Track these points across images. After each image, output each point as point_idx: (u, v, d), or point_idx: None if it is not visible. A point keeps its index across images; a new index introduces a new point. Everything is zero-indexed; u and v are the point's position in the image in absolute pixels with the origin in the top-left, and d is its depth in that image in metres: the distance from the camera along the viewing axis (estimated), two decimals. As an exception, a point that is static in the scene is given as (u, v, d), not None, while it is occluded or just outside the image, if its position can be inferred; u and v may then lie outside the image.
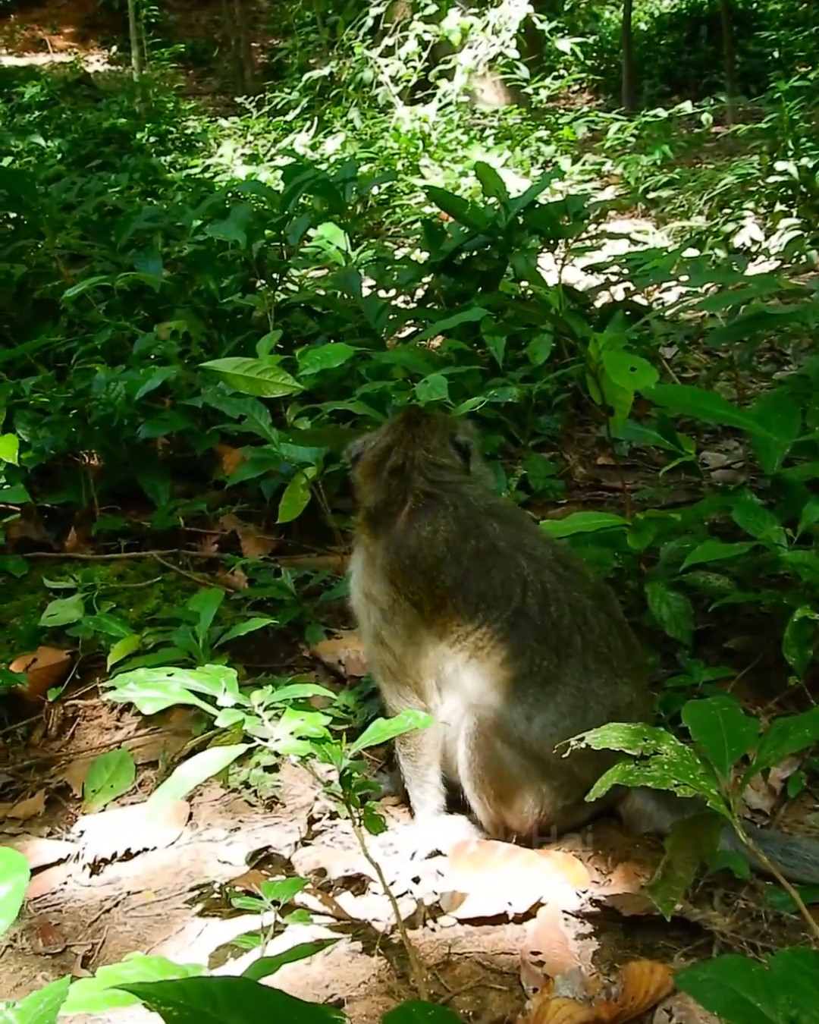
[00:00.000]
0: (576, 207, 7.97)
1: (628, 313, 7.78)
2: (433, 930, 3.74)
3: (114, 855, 4.28)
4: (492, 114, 20.85)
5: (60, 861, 4.30)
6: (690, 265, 7.41)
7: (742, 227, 13.42)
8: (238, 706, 3.44)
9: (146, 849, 4.31)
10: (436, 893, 3.87)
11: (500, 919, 3.75)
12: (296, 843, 4.24)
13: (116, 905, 4.07)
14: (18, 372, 6.83)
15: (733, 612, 5.02)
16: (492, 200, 8.57)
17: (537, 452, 6.99)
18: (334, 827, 4.32)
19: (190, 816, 4.49)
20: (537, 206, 8.01)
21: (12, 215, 9.07)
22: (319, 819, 4.35)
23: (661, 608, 4.76)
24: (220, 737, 3.47)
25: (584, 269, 8.85)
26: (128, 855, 4.29)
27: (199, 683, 3.45)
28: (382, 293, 8.45)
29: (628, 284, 8.40)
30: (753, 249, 13.10)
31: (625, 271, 8.42)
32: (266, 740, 3.39)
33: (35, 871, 4.24)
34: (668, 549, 4.97)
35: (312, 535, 6.22)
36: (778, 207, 13.58)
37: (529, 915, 3.74)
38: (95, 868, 4.25)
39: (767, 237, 13.19)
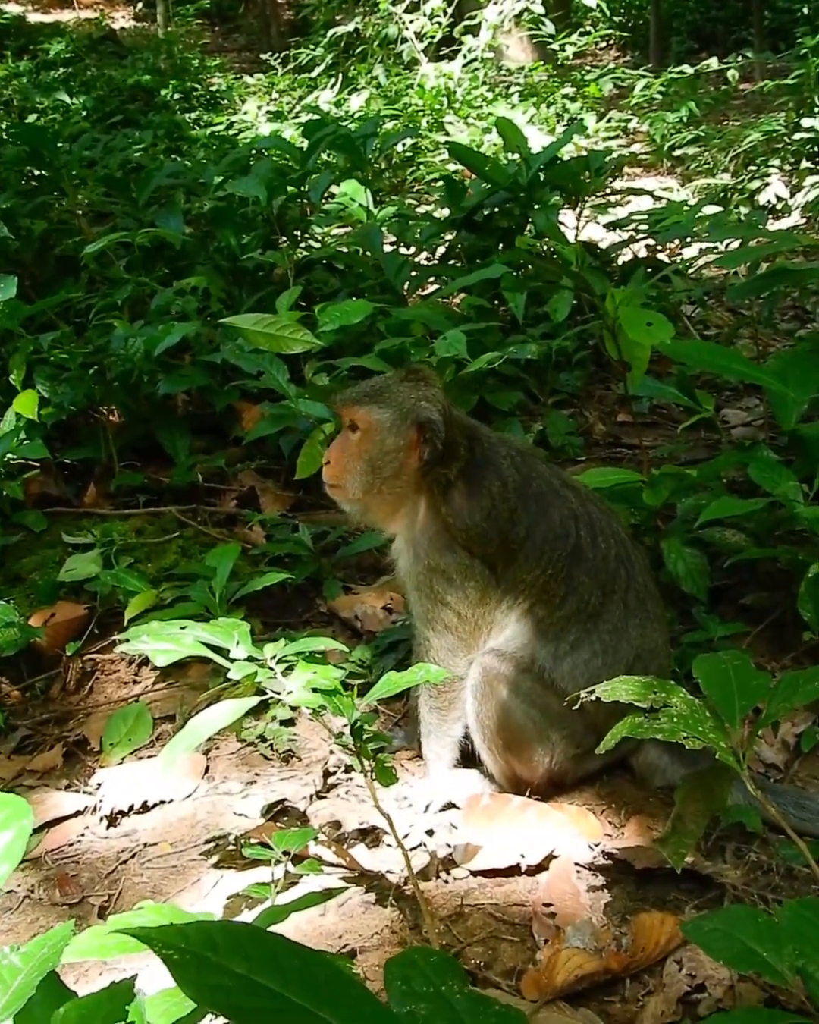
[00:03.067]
0: (598, 163, 7.90)
1: (649, 270, 7.73)
2: (446, 882, 3.76)
3: (131, 807, 4.32)
4: (517, 71, 20.66)
5: (77, 813, 4.35)
6: (711, 221, 7.32)
7: (767, 184, 13.30)
8: (251, 659, 3.45)
9: (163, 801, 4.35)
10: (450, 846, 3.89)
11: (512, 871, 3.77)
12: (311, 796, 4.26)
13: (132, 857, 4.11)
14: (38, 328, 6.83)
15: (750, 568, 5.01)
16: (514, 156, 8.52)
17: (556, 409, 6.97)
18: (349, 781, 4.34)
19: (206, 769, 4.52)
20: (559, 162, 7.94)
21: (34, 172, 9.01)
22: (334, 772, 4.38)
23: (677, 564, 4.76)
24: (232, 690, 3.49)
25: (605, 226, 8.80)
26: (145, 807, 4.33)
27: (212, 636, 3.46)
28: (403, 250, 8.42)
29: (650, 241, 8.34)
30: (778, 206, 13.01)
31: (646, 228, 8.37)
32: (278, 693, 3.41)
33: (53, 823, 4.32)
34: (685, 505, 4.95)
35: (332, 490, 6.22)
36: (804, 164, 13.46)
37: (541, 867, 3.76)
38: (112, 820, 4.29)
39: (792, 194, 13.09)
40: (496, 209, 7.93)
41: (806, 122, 13.58)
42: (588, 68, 22.51)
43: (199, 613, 4.77)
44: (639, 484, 4.81)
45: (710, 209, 11.30)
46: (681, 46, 25.30)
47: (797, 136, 13.61)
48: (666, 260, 8.50)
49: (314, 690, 3.25)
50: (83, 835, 4.26)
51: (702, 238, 7.42)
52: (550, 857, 3.76)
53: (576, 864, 3.76)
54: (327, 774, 4.36)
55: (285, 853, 3.69)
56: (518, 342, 6.73)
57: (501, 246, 7.92)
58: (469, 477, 4.00)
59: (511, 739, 4.00)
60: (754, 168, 13.91)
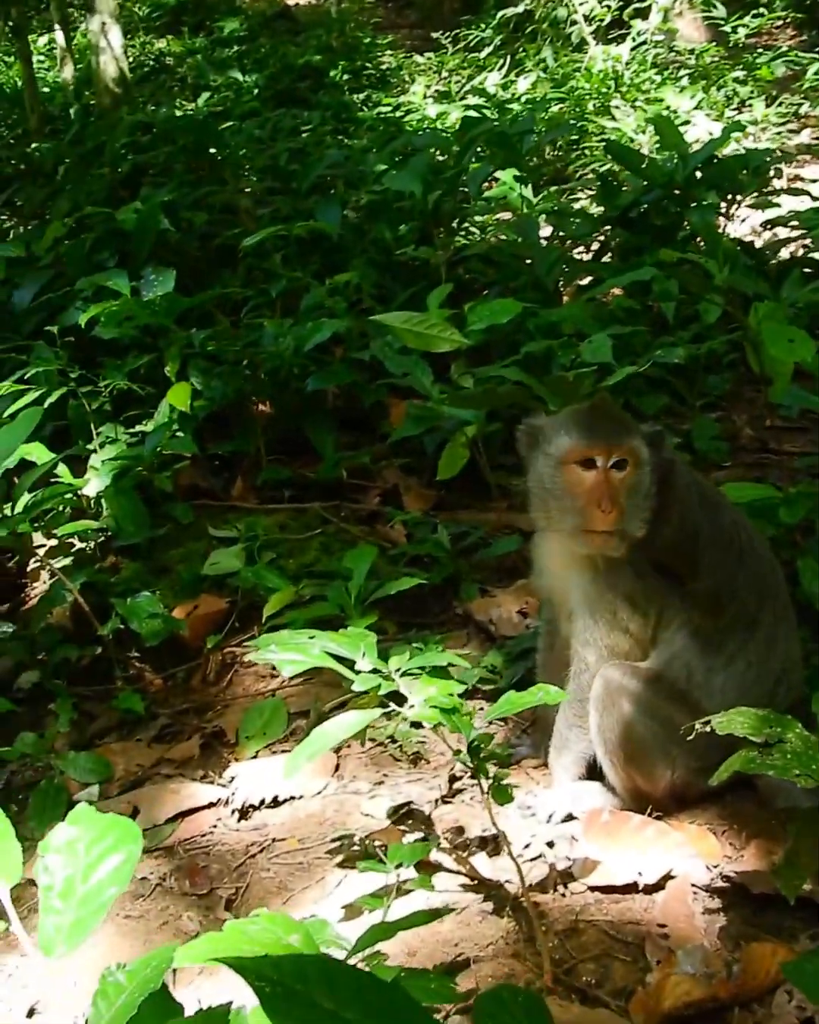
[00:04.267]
0: (757, 162, 7.82)
1: (806, 270, 7.64)
2: (563, 895, 3.81)
3: (262, 802, 4.43)
4: (687, 53, 20.40)
5: (211, 805, 4.48)
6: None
7: None
8: (375, 671, 3.53)
9: (293, 798, 4.46)
10: (569, 859, 3.94)
11: (629, 889, 3.79)
12: (437, 800, 4.34)
13: (261, 851, 4.23)
14: (197, 319, 6.99)
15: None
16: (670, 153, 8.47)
17: (704, 412, 6.93)
18: (475, 785, 4.40)
19: (337, 767, 4.62)
20: (717, 160, 7.87)
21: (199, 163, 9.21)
22: (461, 777, 4.44)
23: (813, 583, 4.72)
24: (358, 699, 3.57)
25: (762, 224, 8.70)
26: (276, 802, 4.45)
27: (339, 646, 3.55)
28: (557, 243, 8.42)
29: (808, 241, 8.23)
30: None
31: (803, 229, 8.26)
32: (399, 706, 3.48)
33: (187, 813, 4.46)
34: (803, 516, 4.90)
35: (472, 491, 6.27)
36: None
37: (658, 886, 3.78)
38: (243, 813, 4.42)
39: None
40: (651, 206, 7.89)
41: None
42: (761, 50, 22.10)
43: (334, 614, 4.88)
44: (777, 500, 4.77)
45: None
46: (858, 25, 24.67)
47: None
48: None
49: (434, 707, 3.31)
50: (215, 826, 4.40)
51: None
52: (667, 877, 3.78)
53: (693, 885, 3.78)
54: (453, 779, 4.43)
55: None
56: (666, 345, 6.71)
57: (656, 244, 7.90)
58: (671, 484, 4.01)
59: (633, 753, 4.02)
60: None
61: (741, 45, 21.92)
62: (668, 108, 16.78)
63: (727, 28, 21.13)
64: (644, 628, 4.04)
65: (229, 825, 4.40)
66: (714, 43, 20.61)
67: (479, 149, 8.48)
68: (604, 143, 9.43)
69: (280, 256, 7.56)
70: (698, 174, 7.72)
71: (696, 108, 16.80)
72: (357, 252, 7.93)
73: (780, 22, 26.11)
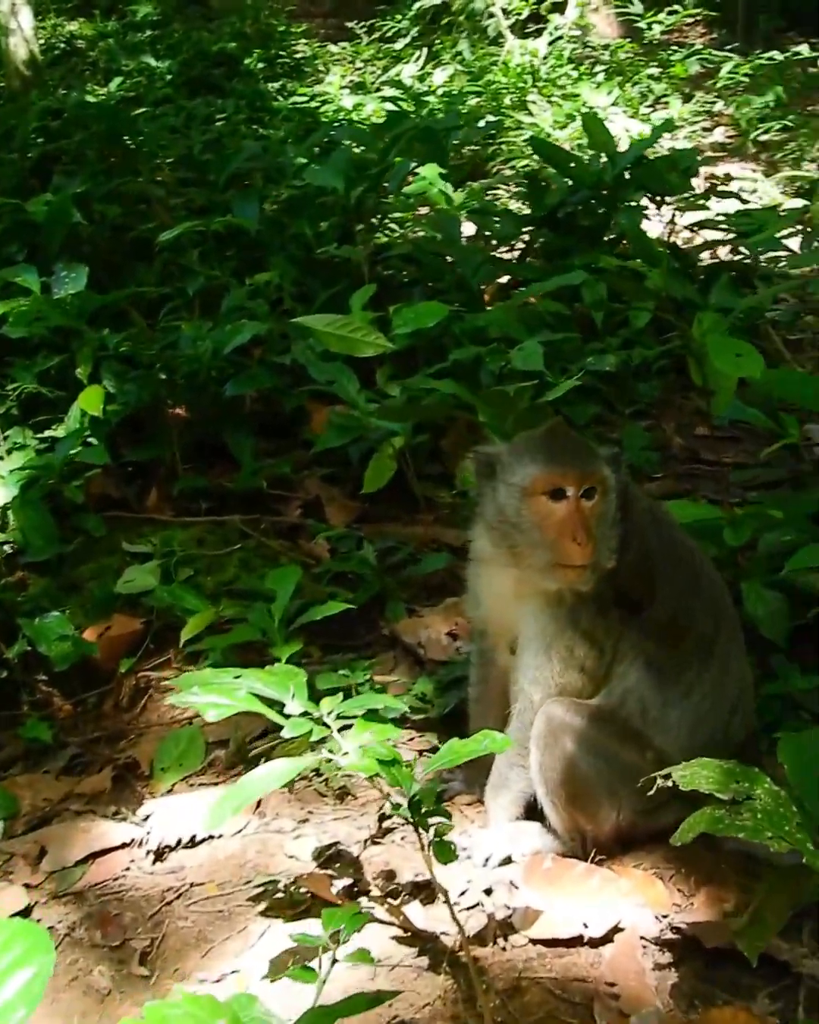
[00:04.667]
0: (686, 163, 7.64)
1: (733, 273, 7.49)
2: (503, 949, 3.57)
3: (179, 842, 4.15)
4: (603, 48, 20.29)
5: (124, 845, 4.19)
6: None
7: (856, 177, 13.00)
8: (306, 714, 3.27)
9: (212, 837, 4.18)
10: (508, 908, 3.70)
11: (574, 942, 3.57)
12: (366, 841, 4.08)
13: (178, 897, 3.95)
14: (110, 318, 6.67)
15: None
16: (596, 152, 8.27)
17: (634, 420, 6.74)
18: (405, 826, 4.15)
19: (258, 803, 4.34)
20: (645, 161, 7.67)
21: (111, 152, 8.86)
22: (390, 816, 4.19)
23: (757, 606, 4.54)
24: (288, 745, 3.32)
25: (689, 226, 8.53)
26: (193, 842, 4.17)
27: (267, 687, 3.29)
28: (481, 242, 8.20)
29: (735, 245, 8.07)
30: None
31: (731, 229, 8.12)
32: (332, 754, 3.23)
33: (99, 854, 4.17)
34: (767, 541, 4.72)
35: (397, 502, 6.01)
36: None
37: (605, 939, 3.56)
38: (159, 855, 4.13)
39: (882, 190, 12.76)
40: (578, 207, 7.68)
41: None
42: (674, 47, 22.05)
43: (256, 639, 4.61)
44: (721, 521, 4.57)
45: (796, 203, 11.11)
46: (768, 24, 24.65)
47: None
48: (750, 262, 8.18)
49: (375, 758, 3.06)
50: (128, 869, 4.11)
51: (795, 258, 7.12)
52: (615, 929, 3.56)
53: (642, 938, 3.56)
54: (383, 817, 4.18)
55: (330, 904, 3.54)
56: (596, 352, 6.52)
57: (582, 246, 7.70)
58: (627, 507, 3.81)
59: (576, 793, 3.80)
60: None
61: (655, 42, 21.88)
62: (585, 104, 16.67)
63: (643, 25, 21.04)
64: (599, 665, 3.82)
65: (143, 867, 4.11)
66: (628, 39, 20.50)
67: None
68: (529, 140, 9.17)
69: (197, 252, 7.24)
70: (627, 175, 7.50)
71: (613, 104, 16.68)
72: (276, 249, 7.64)
73: (692, 19, 26.15)
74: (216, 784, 4.47)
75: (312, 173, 7.61)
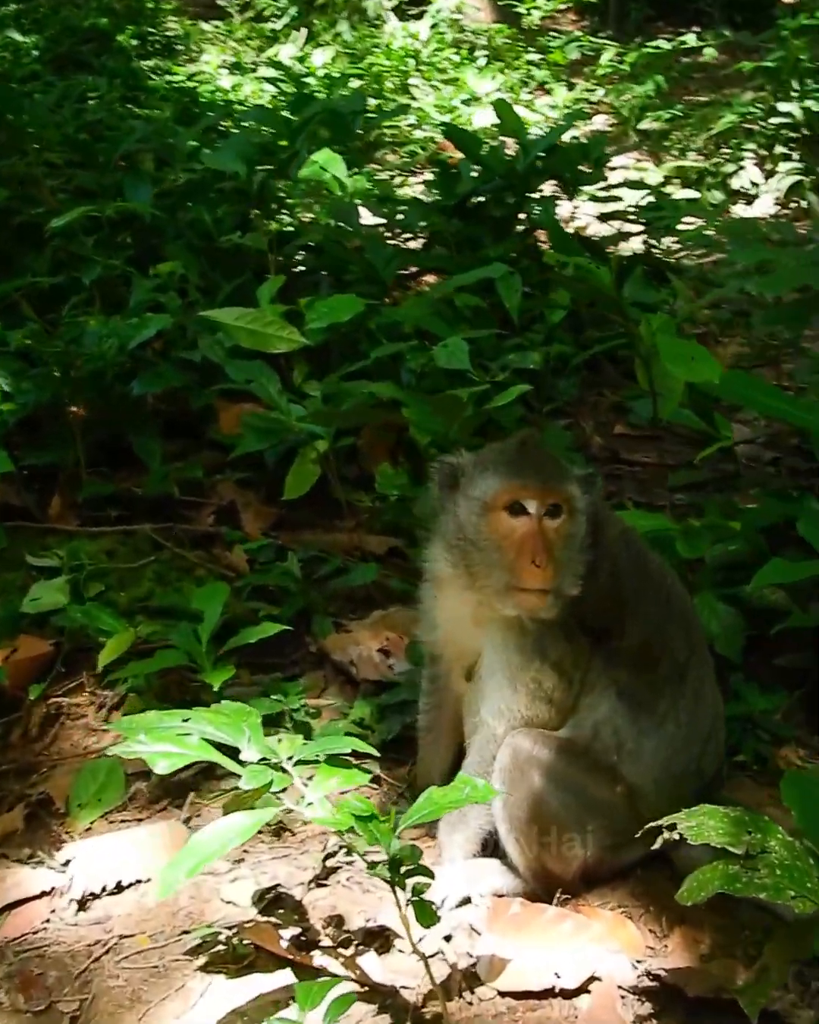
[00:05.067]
0: (597, 152, 7.41)
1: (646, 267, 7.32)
2: (470, 1003, 3.31)
3: (104, 889, 3.81)
4: (481, 33, 20.11)
5: (43, 894, 3.82)
6: (724, 228, 6.83)
7: (742, 168, 12.95)
8: (263, 759, 2.97)
9: (139, 881, 3.85)
10: (471, 956, 3.44)
11: (547, 994, 3.32)
12: (309, 883, 3.79)
13: (107, 951, 3.61)
14: (1, 311, 6.25)
15: (778, 620, 4.57)
16: (503, 140, 8.04)
17: (552, 419, 6.51)
18: (350, 864, 3.87)
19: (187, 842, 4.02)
20: (557, 149, 7.42)
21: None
22: (334, 854, 3.90)
23: (711, 622, 4.33)
24: (245, 797, 3.01)
25: (599, 217, 8.34)
26: (119, 888, 3.83)
27: (218, 731, 2.98)
28: (382, 229, 7.91)
29: (646, 236, 7.89)
30: (752, 192, 12.65)
31: (639, 220, 7.95)
32: (296, 806, 2.93)
33: (15, 905, 3.81)
34: (715, 553, 4.50)
35: (317, 508, 5.70)
36: (778, 149, 13.07)
37: (580, 990, 3.31)
38: (82, 904, 3.78)
39: (766, 180, 12.73)
40: (489, 196, 7.41)
41: (783, 106, 13.17)
42: (552, 33, 21.93)
43: (183, 664, 4.28)
44: (674, 533, 4.35)
45: (687, 193, 11.01)
46: (638, 13, 24.63)
47: (773, 120, 13.19)
48: (661, 254, 8.03)
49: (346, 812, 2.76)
50: (49, 921, 3.74)
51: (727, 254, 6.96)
52: (590, 979, 3.31)
53: (619, 987, 3.32)
54: (327, 855, 3.89)
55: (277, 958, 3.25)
56: (514, 347, 6.28)
57: (492, 236, 7.45)
58: (599, 533, 3.58)
59: (543, 830, 3.56)
60: (728, 151, 13.52)
61: (533, 28, 21.74)
62: (469, 90, 16.49)
63: (523, 9, 20.88)
64: (568, 696, 3.59)
65: (66, 918, 3.74)
66: (506, 25, 20.34)
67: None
68: (442, 126, 8.85)
69: (92, 240, 6.82)
70: (539, 163, 7.25)
71: (497, 90, 16.50)
72: (172, 236, 7.24)
73: (565, 7, 26.04)
74: (140, 820, 4.14)
75: (210, 157, 7.26)
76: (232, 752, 3.03)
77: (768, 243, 8.05)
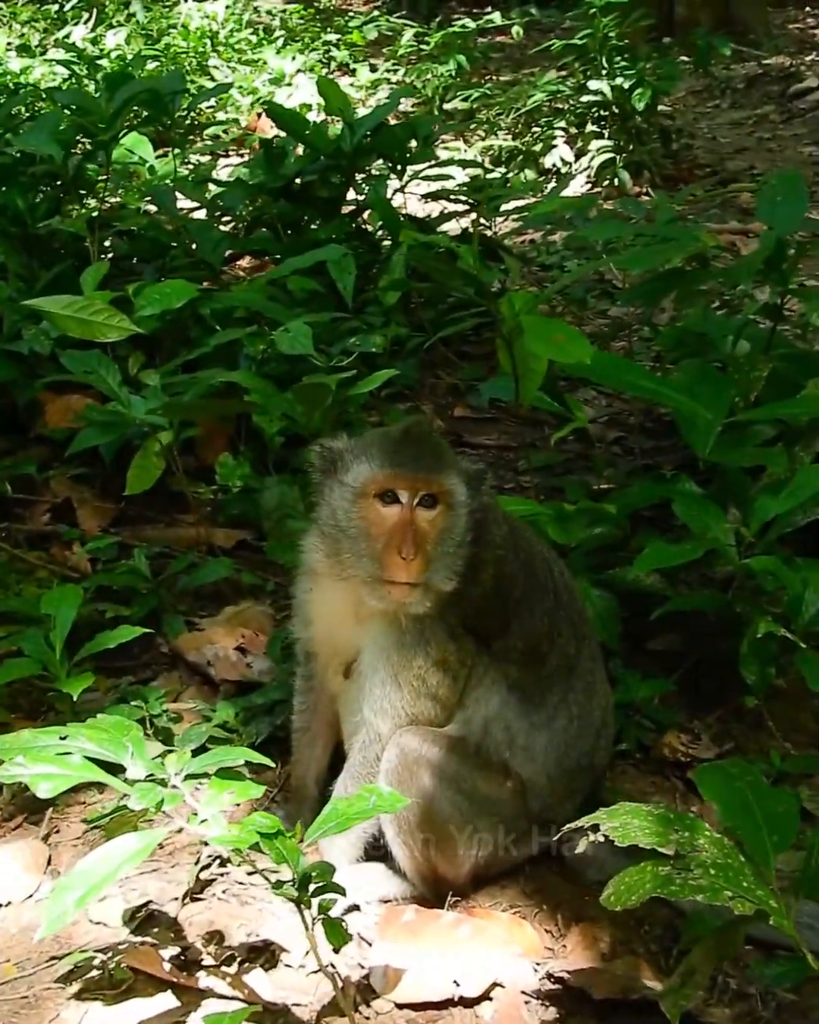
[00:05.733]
0: (425, 130, 7.28)
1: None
2: (367, 1018, 3.14)
3: (-42, 913, 3.55)
4: (275, 13, 19.89)
5: None
6: (564, 206, 6.73)
7: (553, 146, 12.94)
8: (150, 777, 2.76)
9: (-1, 905, 3.60)
10: (362, 967, 3.28)
11: (446, 1004, 3.18)
12: (182, 897, 3.58)
13: (-30, 983, 3.36)
14: None
15: (650, 602, 4.50)
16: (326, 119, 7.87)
17: (391, 403, 6.37)
18: (224, 875, 3.68)
19: (49, 860, 3.78)
20: (384, 128, 7.25)
21: None
22: (207, 866, 3.70)
23: (586, 608, 4.20)
24: (129, 816, 2.80)
25: (423, 196, 8.22)
26: (-23, 913, 3.57)
27: (99, 747, 2.76)
28: (200, 215, 7.66)
29: (475, 215, 7.77)
30: (563, 170, 12.66)
31: (466, 199, 7.83)
32: (188, 825, 2.74)
33: None
34: (585, 536, 4.40)
35: (157, 502, 5.47)
36: (589, 128, 13.10)
37: (482, 997, 3.18)
38: (-63, 933, 3.52)
39: (577, 158, 12.75)
40: (316, 177, 7.21)
41: (593, 84, 13.16)
42: (350, 13, 21.80)
43: (36, 674, 4.03)
44: (546, 517, 4.23)
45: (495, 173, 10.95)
46: (432, -5, 24.62)
47: (583, 98, 13.19)
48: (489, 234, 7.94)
49: (250, 830, 2.57)
50: None
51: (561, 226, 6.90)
52: (493, 986, 3.18)
53: (522, 993, 3.19)
54: (202, 867, 3.68)
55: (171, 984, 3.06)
56: (351, 329, 6.13)
57: (318, 217, 7.27)
58: (485, 533, 3.41)
59: (433, 832, 3.42)
60: (538, 129, 13.50)
61: (329, 8, 21.58)
62: (272, 70, 16.25)
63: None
64: (453, 693, 3.44)
65: (-80, 950, 3.49)
66: (301, 5, 20.15)
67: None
68: (265, 105, 8.58)
69: None
70: (365, 142, 7.08)
71: (298, 70, 16.28)
72: (-18, 222, 6.87)
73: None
74: (-7, 841, 3.88)
75: (21, 139, 6.89)
76: (114, 768, 2.81)
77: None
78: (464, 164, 8.47)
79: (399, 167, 7.29)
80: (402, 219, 7.05)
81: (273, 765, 3.00)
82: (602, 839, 2.51)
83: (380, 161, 7.44)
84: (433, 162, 7.56)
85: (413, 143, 7.33)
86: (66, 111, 7.31)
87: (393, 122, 8.16)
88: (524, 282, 8.31)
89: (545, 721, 3.52)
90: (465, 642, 3.43)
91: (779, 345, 5.12)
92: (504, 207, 7.88)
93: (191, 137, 12.83)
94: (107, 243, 6.99)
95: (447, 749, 3.40)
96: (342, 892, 2.71)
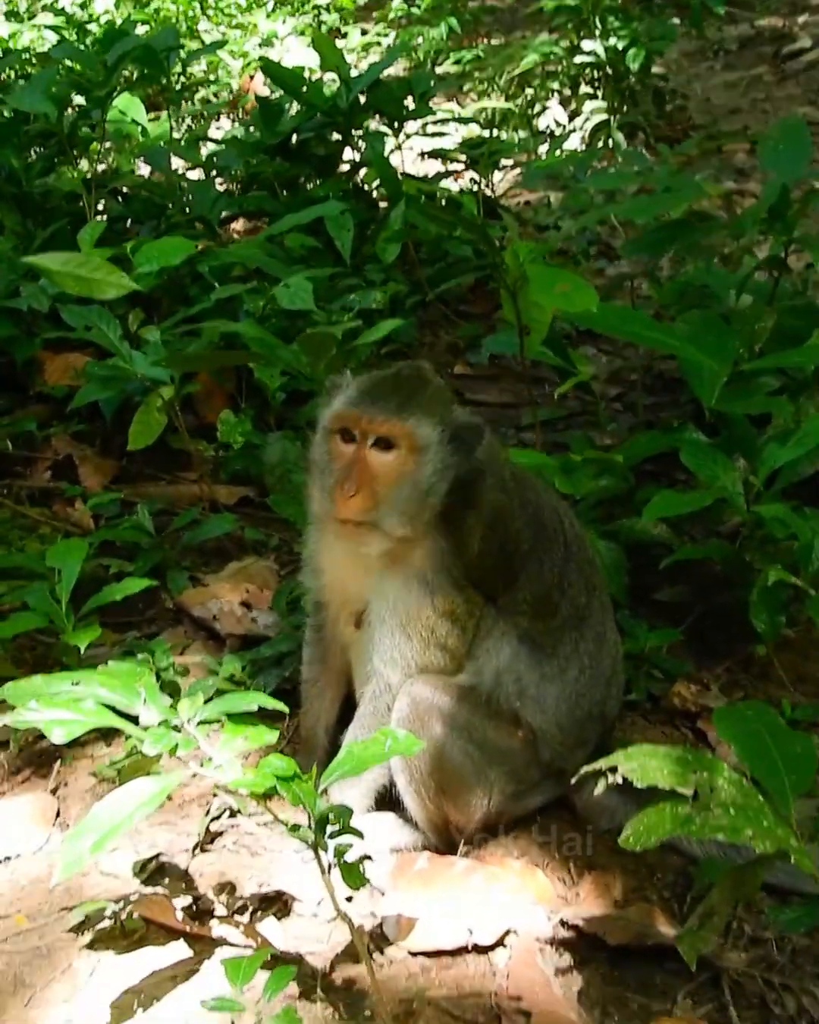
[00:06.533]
0: (423, 87, 7.21)
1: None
2: (381, 965, 3.14)
3: (-30, 867, 3.54)
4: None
5: None
6: (566, 161, 6.69)
7: (546, 108, 12.87)
8: (163, 722, 2.75)
9: (8, 858, 3.59)
10: (375, 915, 3.28)
11: (460, 951, 3.17)
12: (193, 848, 3.57)
13: (-17, 934, 3.35)
14: None
15: (655, 554, 4.49)
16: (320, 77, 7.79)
17: (391, 361, 6.32)
18: (235, 827, 3.67)
19: (58, 813, 3.77)
20: (380, 84, 7.18)
21: None
22: (218, 816, 3.69)
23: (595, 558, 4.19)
24: (141, 762, 2.78)
25: (423, 154, 8.16)
26: (-14, 866, 3.56)
27: (113, 694, 2.75)
28: (195, 174, 7.62)
29: (473, 174, 7.74)
30: (557, 132, 12.57)
31: (467, 157, 7.78)
32: (203, 768, 2.72)
33: None
34: (592, 488, 4.38)
35: (158, 459, 5.44)
36: (583, 89, 13.01)
37: (495, 945, 3.17)
38: (-52, 885, 3.51)
39: (571, 119, 12.67)
40: (313, 134, 7.15)
41: (587, 45, 13.06)
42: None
43: (42, 626, 4.01)
44: (552, 468, 4.21)
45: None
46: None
47: (577, 59, 13.08)
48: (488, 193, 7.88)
49: (269, 774, 2.55)
50: None
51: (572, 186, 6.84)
52: (506, 933, 3.17)
53: (537, 940, 3.19)
54: (212, 819, 3.67)
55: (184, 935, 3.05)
56: (351, 286, 6.09)
57: (315, 175, 7.23)
58: (475, 494, 3.36)
59: (445, 781, 3.41)
60: (531, 91, 13.41)
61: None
62: (264, 33, 16.13)
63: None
64: (462, 643, 3.43)
65: (-68, 901, 3.47)
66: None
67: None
68: (261, 62, 8.49)
69: None
70: (361, 100, 7.02)
71: (290, 33, 16.16)
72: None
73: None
74: (1, 794, 3.86)
75: (16, 97, 6.83)
76: (127, 718, 2.79)
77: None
78: (462, 121, 8.38)
79: (396, 124, 7.22)
80: (400, 177, 6.99)
81: (286, 710, 2.98)
82: (620, 780, 2.49)
83: (377, 118, 7.36)
84: (430, 118, 7.49)
85: (409, 101, 7.24)
86: (60, 69, 7.27)
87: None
88: (522, 240, 8.26)
89: (556, 672, 3.50)
90: (472, 593, 3.41)
91: (782, 297, 5.09)
92: (504, 162, 7.83)
93: (183, 99, 12.72)
94: (101, 204, 6.95)
95: (458, 698, 3.38)
96: (360, 835, 2.69)
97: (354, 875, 2.74)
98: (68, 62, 7.25)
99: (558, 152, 10.73)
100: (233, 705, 2.79)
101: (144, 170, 8.26)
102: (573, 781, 2.70)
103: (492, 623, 3.44)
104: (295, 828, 2.64)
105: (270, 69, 7.16)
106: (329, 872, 2.74)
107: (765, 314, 4.63)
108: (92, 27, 15.32)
